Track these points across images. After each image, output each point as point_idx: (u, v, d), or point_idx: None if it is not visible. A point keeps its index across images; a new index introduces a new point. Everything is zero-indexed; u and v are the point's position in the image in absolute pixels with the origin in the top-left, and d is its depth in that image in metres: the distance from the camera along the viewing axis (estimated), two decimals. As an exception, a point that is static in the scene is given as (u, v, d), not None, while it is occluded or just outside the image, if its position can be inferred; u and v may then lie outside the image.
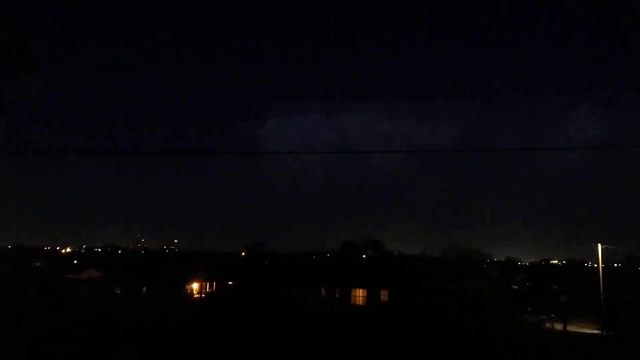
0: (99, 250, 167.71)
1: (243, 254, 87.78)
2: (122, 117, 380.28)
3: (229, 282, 70.57)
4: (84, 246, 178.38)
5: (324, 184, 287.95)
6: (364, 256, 77.30)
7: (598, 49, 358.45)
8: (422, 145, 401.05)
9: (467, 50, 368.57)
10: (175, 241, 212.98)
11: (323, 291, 56.63)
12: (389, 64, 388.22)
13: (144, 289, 63.72)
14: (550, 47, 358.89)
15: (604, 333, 43.28)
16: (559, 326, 46.92)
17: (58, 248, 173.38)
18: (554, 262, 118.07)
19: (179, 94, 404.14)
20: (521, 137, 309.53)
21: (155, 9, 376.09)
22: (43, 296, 53.96)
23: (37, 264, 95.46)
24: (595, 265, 54.88)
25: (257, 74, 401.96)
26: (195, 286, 68.96)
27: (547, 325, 48.08)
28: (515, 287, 61.36)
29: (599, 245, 50.64)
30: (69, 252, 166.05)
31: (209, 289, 71.26)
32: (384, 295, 52.00)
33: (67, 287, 61.40)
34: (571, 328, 46.93)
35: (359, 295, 54.09)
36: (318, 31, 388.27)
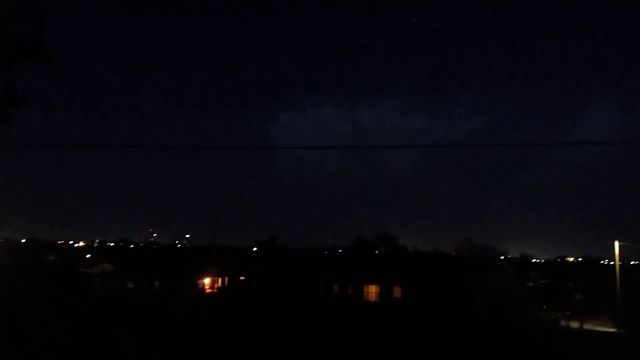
0: (112, 244, 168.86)
1: (255, 249, 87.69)
2: (134, 112, 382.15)
3: (241, 277, 70.50)
4: (97, 240, 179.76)
5: (337, 179, 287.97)
6: (376, 252, 76.87)
7: (618, 41, 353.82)
8: (436, 140, 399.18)
9: (483, 44, 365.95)
10: (187, 236, 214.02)
11: (335, 287, 56.37)
12: (403, 57, 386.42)
13: (157, 283, 63.93)
14: (568, 39, 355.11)
15: (621, 331, 42.79)
16: (575, 324, 46.46)
17: (71, 242, 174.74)
18: (569, 259, 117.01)
19: (191, 88, 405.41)
20: (537, 131, 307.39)
21: (167, 4, 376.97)
22: (57, 289, 54.26)
23: (51, 257, 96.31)
24: (612, 262, 54.17)
25: (270, 68, 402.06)
26: (207, 281, 69.02)
27: (563, 323, 47.66)
28: (531, 284, 60.89)
29: (616, 242, 49.93)
30: (82, 246, 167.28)
31: (220, 283, 71.30)
32: (397, 292, 51.64)
33: (81, 280, 61.79)
34: (587, 326, 46.46)
35: (372, 291, 53.76)
36: (331, 24, 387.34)
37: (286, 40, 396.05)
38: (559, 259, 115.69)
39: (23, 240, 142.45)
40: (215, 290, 67.77)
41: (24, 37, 12.27)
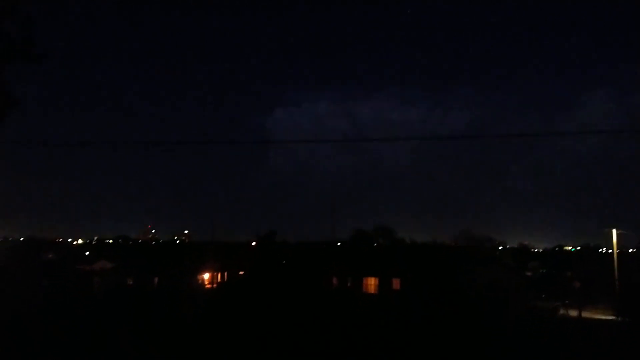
0: (111, 241, 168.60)
1: (254, 243, 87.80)
2: (131, 108, 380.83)
3: (240, 272, 70.51)
4: (95, 237, 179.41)
5: (335, 173, 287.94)
6: (375, 244, 77.08)
7: (614, 31, 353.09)
8: (433, 132, 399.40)
9: (479, 34, 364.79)
10: (186, 231, 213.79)
11: (335, 280, 56.48)
12: (399, 50, 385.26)
13: (156, 279, 63.92)
14: (565, 29, 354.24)
15: (619, 319, 42.96)
16: (573, 313, 46.64)
17: (70, 240, 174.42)
18: (567, 248, 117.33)
19: (186, 83, 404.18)
20: (534, 121, 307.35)
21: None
22: (56, 287, 54.20)
23: (50, 255, 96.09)
24: (610, 251, 54.35)
25: (265, 62, 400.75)
26: (206, 276, 69.09)
27: (562, 311, 47.85)
28: (529, 273, 61.11)
29: (614, 230, 50.11)
30: (81, 243, 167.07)
31: (220, 279, 71.36)
32: (396, 284, 51.84)
33: (80, 278, 61.75)
34: (586, 314, 46.69)
35: (371, 283, 53.96)
36: (326, 17, 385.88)
37: (280, 33, 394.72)
38: (557, 248, 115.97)
39: (21, 239, 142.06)
40: (214, 285, 67.82)
41: (13, 37, 12.19)
